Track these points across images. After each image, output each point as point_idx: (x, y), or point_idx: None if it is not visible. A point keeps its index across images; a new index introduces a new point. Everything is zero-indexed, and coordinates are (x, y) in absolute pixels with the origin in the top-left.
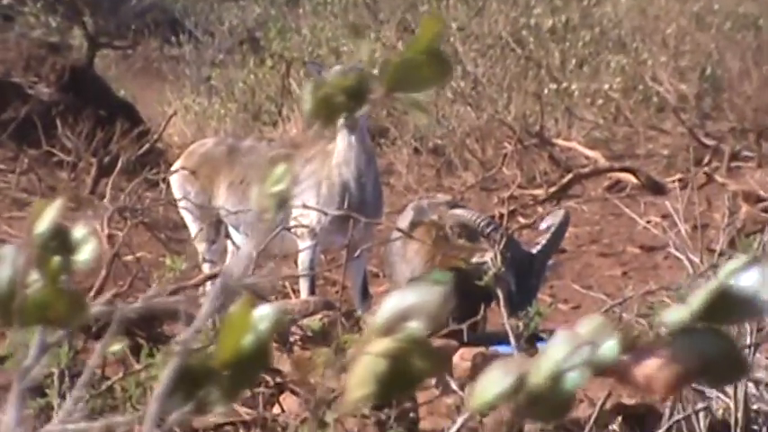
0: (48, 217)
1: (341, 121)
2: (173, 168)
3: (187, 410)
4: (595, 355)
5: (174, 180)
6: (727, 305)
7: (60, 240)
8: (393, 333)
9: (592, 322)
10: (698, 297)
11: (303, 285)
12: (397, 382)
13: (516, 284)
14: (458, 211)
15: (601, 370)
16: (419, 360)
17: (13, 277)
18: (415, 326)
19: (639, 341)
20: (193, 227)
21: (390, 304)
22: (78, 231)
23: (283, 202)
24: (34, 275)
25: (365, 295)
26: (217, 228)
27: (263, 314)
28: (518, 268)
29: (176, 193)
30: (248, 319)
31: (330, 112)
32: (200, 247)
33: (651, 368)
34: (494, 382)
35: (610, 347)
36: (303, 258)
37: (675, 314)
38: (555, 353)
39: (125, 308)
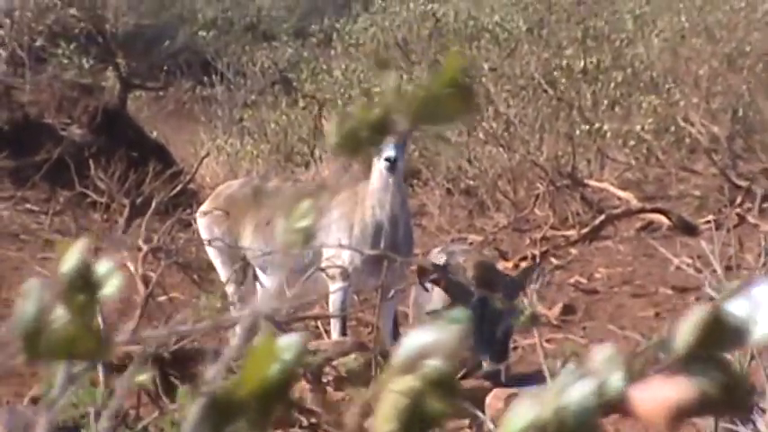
0: (74, 254)
1: (382, 163)
2: (199, 211)
3: None
4: (602, 386)
5: (201, 222)
6: (721, 332)
7: (86, 276)
8: (413, 370)
9: (602, 353)
10: (691, 323)
11: (334, 327)
12: (421, 419)
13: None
14: (459, 258)
15: (610, 403)
16: (442, 397)
17: (38, 312)
18: (434, 363)
19: (646, 372)
20: (222, 269)
21: (409, 342)
22: (103, 266)
23: (308, 237)
24: (59, 311)
25: (396, 336)
26: (245, 269)
27: (288, 343)
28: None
29: (204, 235)
30: (273, 348)
31: (355, 146)
32: (229, 289)
33: (650, 400)
34: (521, 414)
35: (616, 379)
36: (334, 299)
37: (677, 343)
38: (561, 385)
39: (153, 335)
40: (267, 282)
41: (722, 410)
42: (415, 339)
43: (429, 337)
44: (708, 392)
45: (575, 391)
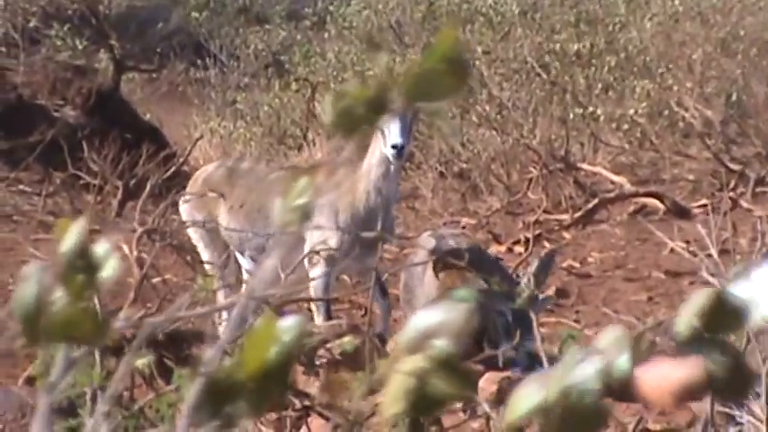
0: (72, 235)
1: (388, 150)
2: (182, 198)
3: (216, 424)
4: (609, 367)
5: (183, 209)
6: (725, 313)
7: (85, 258)
8: (420, 351)
9: (609, 336)
10: (695, 305)
11: (318, 312)
12: (428, 399)
13: (513, 313)
14: (450, 242)
15: (616, 384)
16: (448, 377)
17: (38, 295)
18: (441, 344)
19: (650, 354)
20: (205, 253)
21: (417, 322)
22: (101, 247)
23: (306, 215)
24: (59, 293)
25: (384, 294)
26: (230, 253)
27: (288, 326)
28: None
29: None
30: (273, 330)
31: (351, 125)
32: (214, 272)
33: (656, 381)
34: (528, 397)
35: (623, 361)
36: (316, 285)
37: (680, 325)
38: (569, 365)
39: (152, 322)
40: (246, 264)
41: (724, 393)
42: (421, 320)
43: (437, 318)
44: (711, 374)
45: (580, 372)
